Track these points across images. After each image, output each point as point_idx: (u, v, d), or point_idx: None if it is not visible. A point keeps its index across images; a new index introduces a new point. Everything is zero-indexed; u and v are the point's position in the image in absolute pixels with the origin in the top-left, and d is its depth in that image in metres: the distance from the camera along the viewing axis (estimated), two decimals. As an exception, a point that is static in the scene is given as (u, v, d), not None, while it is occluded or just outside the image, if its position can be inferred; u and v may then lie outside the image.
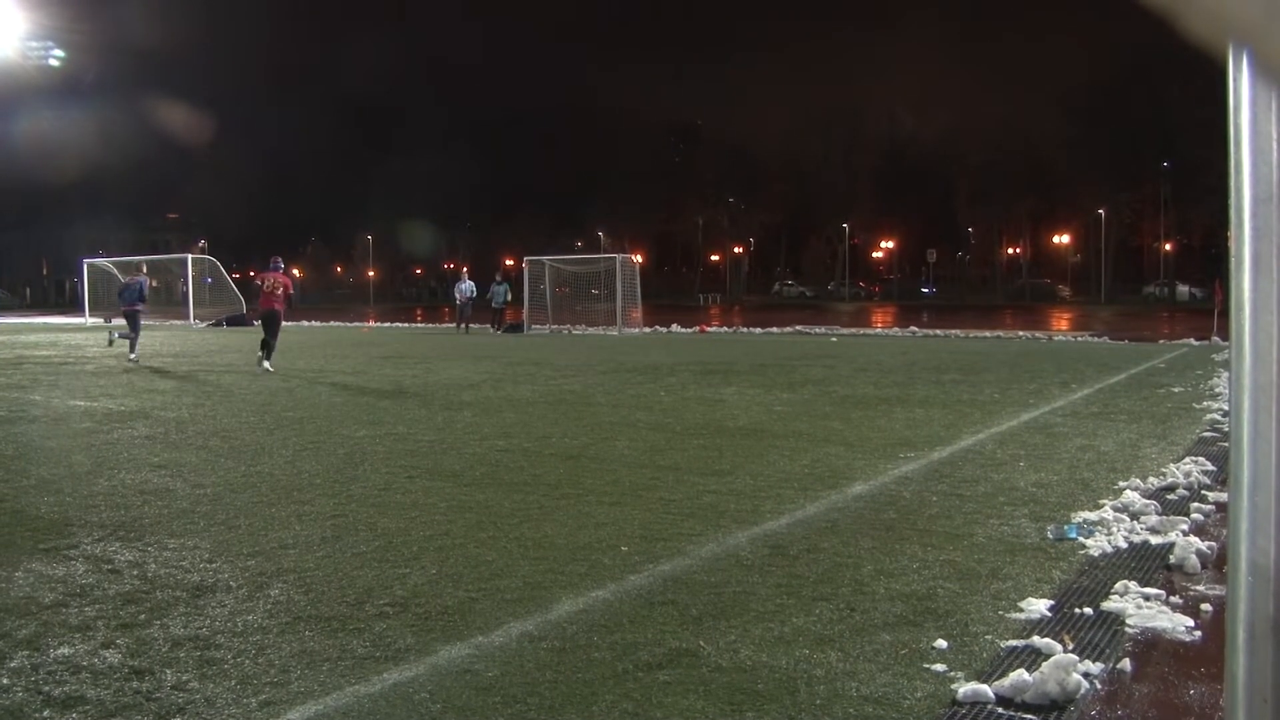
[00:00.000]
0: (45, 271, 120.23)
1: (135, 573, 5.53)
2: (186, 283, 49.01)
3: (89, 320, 50.21)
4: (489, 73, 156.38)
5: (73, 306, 68.54)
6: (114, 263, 53.52)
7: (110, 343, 25.22)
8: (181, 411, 12.67)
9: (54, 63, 60.72)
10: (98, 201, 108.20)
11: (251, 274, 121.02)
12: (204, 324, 44.56)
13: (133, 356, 21.09)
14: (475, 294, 37.69)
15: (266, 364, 18.74)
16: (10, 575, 5.50)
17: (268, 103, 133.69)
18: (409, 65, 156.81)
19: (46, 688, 3.96)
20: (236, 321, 44.91)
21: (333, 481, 8.05)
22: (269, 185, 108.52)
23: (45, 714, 3.72)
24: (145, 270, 26.55)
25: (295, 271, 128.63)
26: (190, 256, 50.94)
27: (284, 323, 20.02)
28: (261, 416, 12.14)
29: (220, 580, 5.36)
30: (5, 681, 4.03)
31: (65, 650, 4.36)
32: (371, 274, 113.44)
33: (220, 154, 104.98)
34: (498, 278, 37.53)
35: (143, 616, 4.79)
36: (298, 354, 24.18)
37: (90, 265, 54.10)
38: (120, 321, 24.90)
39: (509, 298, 37.61)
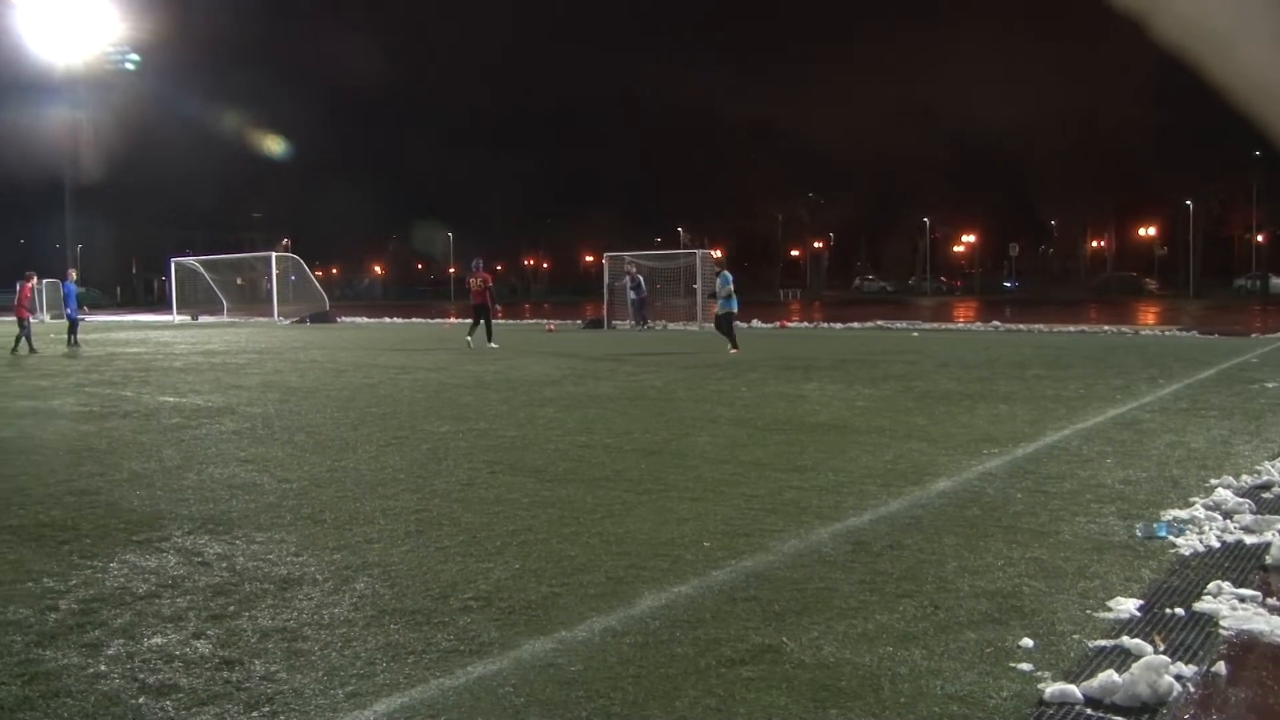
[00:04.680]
0: (134, 270, 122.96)
1: (224, 565, 5.64)
2: (270, 280, 49.78)
3: (176, 318, 51.29)
4: (569, 72, 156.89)
5: (161, 304, 70.02)
6: (202, 261, 54.67)
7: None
8: (267, 407, 12.89)
9: (130, 67, 62.33)
10: (184, 202, 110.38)
11: (334, 271, 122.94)
12: (288, 321, 45.26)
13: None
14: (645, 291, 36.05)
15: (491, 344, 23.71)
16: (106, 566, 5.64)
17: (349, 105, 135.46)
18: (485, 64, 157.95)
19: (142, 675, 4.06)
20: (320, 319, 45.56)
21: (416, 477, 8.14)
22: (351, 184, 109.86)
23: (141, 700, 3.82)
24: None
25: (377, 269, 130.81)
26: (274, 254, 51.74)
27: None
28: (345, 412, 12.31)
29: (307, 573, 5.44)
30: (103, 668, 4.14)
31: (159, 640, 4.47)
32: (452, 271, 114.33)
33: (304, 155, 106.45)
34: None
35: (232, 608, 4.89)
36: (380, 351, 24.50)
37: (177, 264, 55.28)
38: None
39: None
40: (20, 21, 59.36)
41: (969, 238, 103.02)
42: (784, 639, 4.35)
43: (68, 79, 63.40)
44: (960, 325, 36.58)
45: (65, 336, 28.10)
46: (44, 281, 61.34)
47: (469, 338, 24.65)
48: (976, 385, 14.49)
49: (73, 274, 29.65)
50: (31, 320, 26.06)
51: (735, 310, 23.07)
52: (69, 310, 28.39)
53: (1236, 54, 0.83)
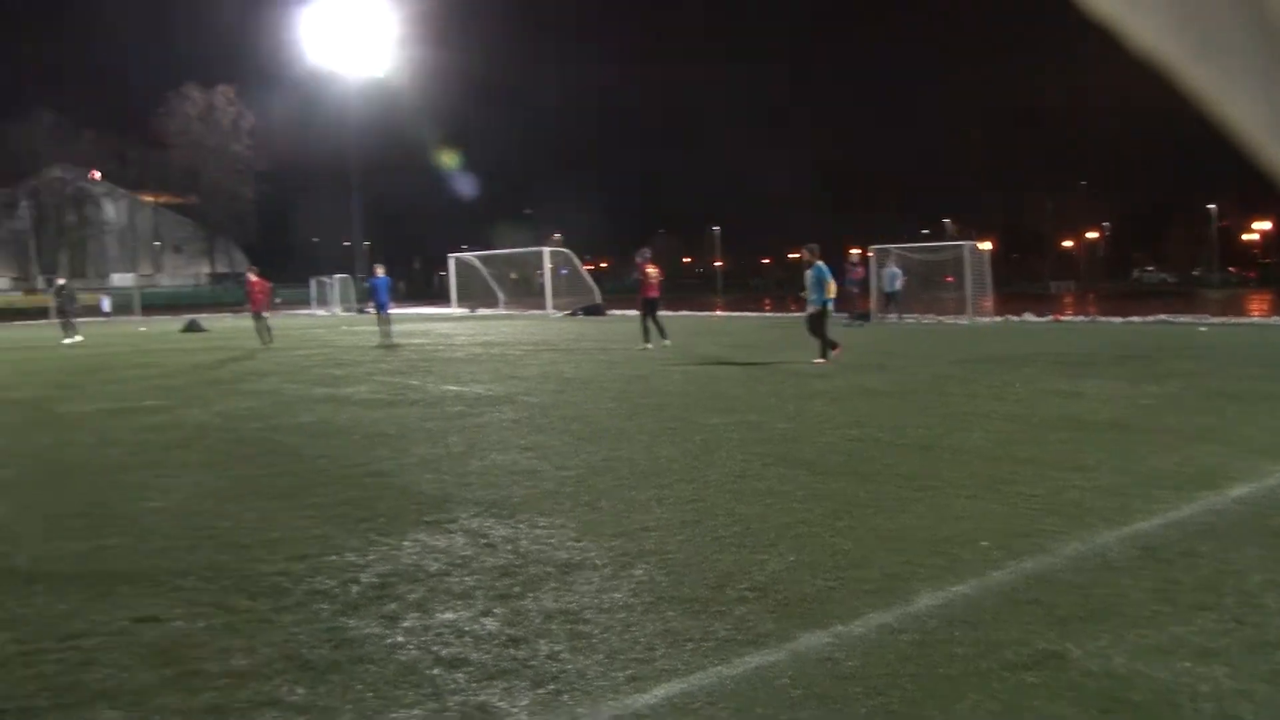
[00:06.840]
0: (417, 265, 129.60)
1: (509, 548, 5.89)
2: (544, 274, 51.25)
3: (456, 310, 53.63)
4: (836, 64, 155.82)
5: (441, 297, 73.33)
6: (479, 257, 57.01)
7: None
8: (544, 397, 13.33)
9: (379, 74, 65.64)
10: (458, 201, 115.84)
11: (603, 265, 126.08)
12: (561, 314, 46.51)
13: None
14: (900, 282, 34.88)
15: (665, 341, 22.04)
16: (400, 544, 5.99)
17: (626, 108, 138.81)
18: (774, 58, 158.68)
19: (435, 648, 4.30)
20: (592, 311, 46.60)
21: (690, 467, 8.26)
22: (622, 181, 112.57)
23: (436, 671, 4.04)
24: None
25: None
26: (547, 249, 53.23)
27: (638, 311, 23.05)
28: (619, 403, 12.60)
29: (587, 559, 5.62)
30: (400, 639, 4.41)
31: (449, 615, 4.72)
32: (719, 264, 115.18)
33: (576, 155, 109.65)
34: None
35: (517, 589, 5.10)
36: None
37: (456, 259, 57.82)
38: None
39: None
40: (308, 29, 63.31)
41: (1263, 224, 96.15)
42: (1069, 645, 4.20)
43: (359, 89, 67.19)
44: (1255, 319, 34.23)
45: (377, 329, 29.56)
46: (335, 277, 65.50)
47: (654, 342, 22.19)
48: (1276, 384, 13.51)
49: (379, 270, 29.95)
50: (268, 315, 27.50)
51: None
52: (381, 302, 29.28)
53: (1201, 71, 0.77)
